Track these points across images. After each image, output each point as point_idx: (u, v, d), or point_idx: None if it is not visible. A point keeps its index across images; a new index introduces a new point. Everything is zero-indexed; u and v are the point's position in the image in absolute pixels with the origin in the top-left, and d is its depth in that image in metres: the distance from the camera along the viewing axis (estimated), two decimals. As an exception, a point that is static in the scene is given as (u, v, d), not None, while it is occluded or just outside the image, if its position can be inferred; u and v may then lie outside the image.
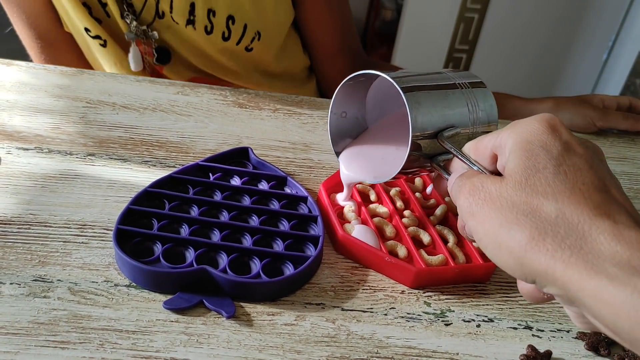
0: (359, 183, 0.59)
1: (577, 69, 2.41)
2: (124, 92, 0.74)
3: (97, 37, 0.80)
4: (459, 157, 0.43)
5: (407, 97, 0.47)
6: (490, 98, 0.53)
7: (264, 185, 0.60)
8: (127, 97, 0.73)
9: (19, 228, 0.51)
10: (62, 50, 0.86)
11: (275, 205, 0.57)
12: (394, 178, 0.50)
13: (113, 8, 0.78)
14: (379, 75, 0.50)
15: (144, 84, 0.77)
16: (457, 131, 0.49)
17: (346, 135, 0.58)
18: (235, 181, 0.60)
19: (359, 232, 0.54)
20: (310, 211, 0.57)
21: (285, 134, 0.71)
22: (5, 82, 0.72)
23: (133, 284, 0.48)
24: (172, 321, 0.45)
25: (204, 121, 0.71)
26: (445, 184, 0.47)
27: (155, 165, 0.62)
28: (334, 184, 0.60)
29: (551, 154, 0.36)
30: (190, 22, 0.79)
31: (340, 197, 0.58)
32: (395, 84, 0.48)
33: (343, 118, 0.57)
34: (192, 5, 0.77)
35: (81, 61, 0.87)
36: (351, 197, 0.58)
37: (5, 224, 0.51)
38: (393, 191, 0.60)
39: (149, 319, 0.45)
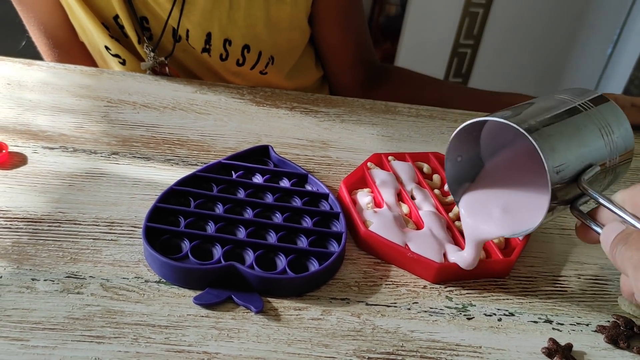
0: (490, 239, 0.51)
1: (581, 63, 2.41)
2: (143, 91, 0.75)
3: (116, 55, 0.81)
4: (615, 211, 0.39)
5: (541, 145, 0.41)
6: (622, 118, 0.47)
7: (285, 183, 0.61)
8: (147, 96, 0.74)
9: (49, 226, 0.52)
10: (79, 59, 0.87)
11: (297, 202, 0.59)
12: (533, 230, 0.45)
13: (131, 33, 0.79)
14: (497, 120, 0.44)
15: (163, 82, 0.78)
16: (597, 170, 0.44)
17: (464, 180, 0.52)
18: (257, 179, 0.61)
19: (377, 225, 0.55)
20: (331, 208, 0.58)
21: (303, 132, 0.72)
22: (28, 82, 0.73)
23: (163, 280, 0.49)
24: (202, 316, 0.46)
25: (223, 119, 0.72)
26: (594, 236, 0.43)
27: (177, 164, 0.63)
28: (354, 181, 0.61)
29: None
30: (206, 50, 0.80)
31: (467, 258, 0.52)
32: (522, 130, 0.41)
33: (459, 162, 0.51)
34: (209, 35, 0.78)
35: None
36: (371, 192, 0.59)
37: (36, 222, 0.53)
38: (411, 187, 0.61)
39: (180, 314, 0.46)
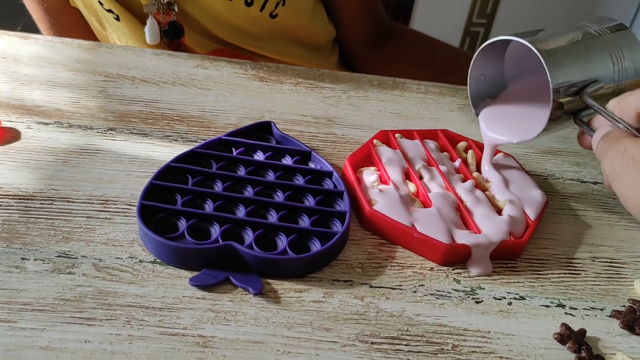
0: (502, 144, 0.58)
1: (597, 42, 2.36)
2: (142, 65, 0.73)
3: (109, 10, 0.78)
4: (604, 115, 0.44)
5: (546, 59, 0.47)
6: (635, 44, 0.51)
7: (287, 160, 0.59)
8: (146, 70, 0.72)
9: (41, 203, 0.51)
10: (70, 26, 0.84)
11: (300, 180, 0.56)
12: (537, 137, 0.51)
13: None
14: (512, 38, 0.50)
15: (163, 57, 0.75)
16: (600, 86, 0.49)
17: (486, 96, 0.58)
18: (259, 156, 0.59)
19: (383, 205, 0.52)
20: (335, 186, 0.56)
21: (308, 108, 0.70)
22: (24, 55, 0.71)
23: (158, 260, 0.47)
24: (198, 298, 0.44)
25: (225, 95, 0.70)
26: (589, 141, 0.48)
27: (176, 140, 0.61)
28: (360, 159, 0.59)
29: None
30: None
31: (485, 161, 0.59)
32: (531, 46, 0.48)
33: (482, 80, 0.57)
34: None
35: (89, 38, 0.86)
36: (377, 170, 0.57)
37: (27, 199, 0.51)
38: (419, 166, 0.59)
39: (175, 296, 0.44)
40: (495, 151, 0.60)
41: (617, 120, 0.43)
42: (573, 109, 0.50)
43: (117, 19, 0.78)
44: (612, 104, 0.44)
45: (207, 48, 0.83)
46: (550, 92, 0.47)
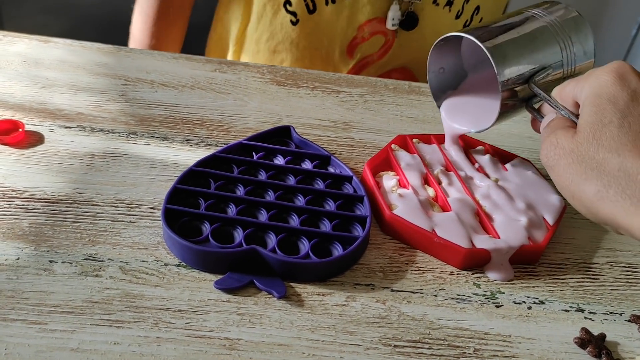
0: (462, 134, 0.60)
1: (605, 44, 2.36)
2: (161, 69, 0.74)
3: (292, 13, 0.81)
4: (547, 102, 0.47)
5: (492, 54, 0.49)
6: (584, 28, 0.53)
7: (307, 165, 0.59)
8: (165, 74, 0.73)
9: (67, 207, 0.51)
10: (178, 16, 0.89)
11: (320, 184, 0.57)
12: (492, 126, 0.53)
13: None
14: (464, 36, 0.52)
15: (181, 61, 0.76)
16: (548, 73, 0.52)
17: (448, 88, 0.60)
18: (279, 160, 0.59)
19: (403, 209, 0.53)
20: (355, 191, 0.56)
21: (325, 113, 0.70)
22: (44, 59, 0.72)
23: (183, 263, 0.48)
24: (223, 301, 0.45)
25: (243, 99, 0.70)
26: (539, 126, 0.50)
27: (197, 144, 0.61)
28: (379, 164, 0.60)
29: (617, 106, 0.39)
30: (449, 3, 0.82)
31: (446, 145, 0.62)
32: (478, 42, 0.50)
33: (442, 73, 0.59)
34: None
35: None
36: (396, 175, 0.58)
37: (53, 202, 0.52)
38: (437, 170, 0.59)
39: (201, 299, 0.45)
40: (458, 138, 0.62)
41: (559, 108, 0.45)
42: (524, 96, 0.52)
43: (294, 23, 0.81)
44: (555, 92, 0.46)
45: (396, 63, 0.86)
46: (498, 85, 0.49)
